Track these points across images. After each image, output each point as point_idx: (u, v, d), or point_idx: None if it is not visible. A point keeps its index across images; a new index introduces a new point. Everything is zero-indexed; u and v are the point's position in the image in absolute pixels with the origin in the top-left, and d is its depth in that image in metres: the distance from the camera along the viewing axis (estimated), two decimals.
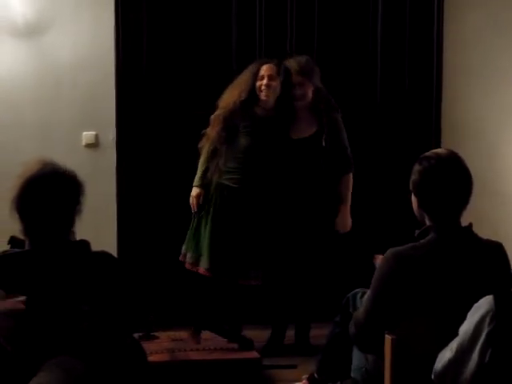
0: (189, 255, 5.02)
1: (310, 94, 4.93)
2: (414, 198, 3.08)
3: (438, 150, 3.15)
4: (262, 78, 4.90)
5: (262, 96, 4.90)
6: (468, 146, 5.40)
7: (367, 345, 3.17)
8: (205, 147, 4.97)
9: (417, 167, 3.04)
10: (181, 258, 5.06)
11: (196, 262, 4.99)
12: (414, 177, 3.04)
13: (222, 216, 4.93)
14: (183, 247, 5.06)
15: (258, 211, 4.98)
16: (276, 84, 4.91)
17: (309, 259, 5.03)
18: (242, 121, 4.90)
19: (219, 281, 4.97)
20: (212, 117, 4.96)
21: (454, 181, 2.99)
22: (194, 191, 4.98)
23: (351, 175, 5.04)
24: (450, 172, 2.99)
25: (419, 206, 3.06)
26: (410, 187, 3.07)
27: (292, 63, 4.94)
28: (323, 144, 4.92)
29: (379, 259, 3.29)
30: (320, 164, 4.95)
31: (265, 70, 4.91)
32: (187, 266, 5.03)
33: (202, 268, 4.96)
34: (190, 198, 4.98)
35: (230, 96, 4.93)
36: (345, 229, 5.06)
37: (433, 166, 3.00)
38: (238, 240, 4.93)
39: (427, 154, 3.08)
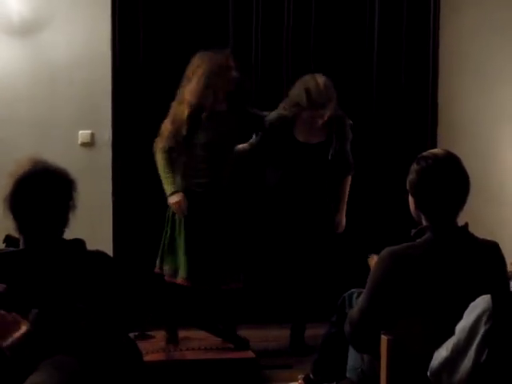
0: (167, 267, 4.82)
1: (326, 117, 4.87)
2: (410, 198, 3.08)
3: (436, 150, 3.15)
4: (231, 70, 4.75)
5: (229, 88, 4.78)
6: (464, 145, 5.40)
7: (362, 344, 3.17)
8: (162, 150, 4.73)
9: (414, 167, 3.03)
10: (157, 270, 4.86)
11: (174, 274, 4.81)
12: (411, 176, 3.04)
13: (192, 224, 4.76)
14: (158, 260, 4.86)
15: (227, 213, 4.82)
16: (238, 74, 4.79)
17: (305, 260, 5.03)
18: (203, 116, 4.73)
19: (199, 289, 4.85)
20: (182, 112, 4.72)
21: (451, 181, 2.99)
22: (177, 197, 4.71)
23: (350, 177, 5.12)
24: (447, 172, 2.99)
25: (416, 206, 3.05)
26: (407, 187, 3.07)
27: (312, 91, 4.76)
28: (329, 157, 4.93)
29: (374, 259, 3.30)
30: (323, 170, 4.97)
31: (231, 61, 4.78)
32: (167, 278, 4.83)
33: (180, 278, 4.78)
34: (174, 206, 4.71)
35: (203, 94, 4.69)
36: (341, 228, 5.08)
37: (430, 166, 2.99)
38: (212, 247, 4.78)
39: (424, 153, 3.07)
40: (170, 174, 4.73)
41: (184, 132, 4.68)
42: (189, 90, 4.71)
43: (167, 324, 4.97)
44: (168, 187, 4.73)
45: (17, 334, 2.42)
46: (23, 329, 2.44)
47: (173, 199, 4.72)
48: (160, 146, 4.74)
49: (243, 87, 4.88)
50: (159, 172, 4.76)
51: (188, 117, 4.67)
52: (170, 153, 4.73)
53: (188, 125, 4.68)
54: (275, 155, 4.96)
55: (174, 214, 4.78)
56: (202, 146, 4.73)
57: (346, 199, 5.11)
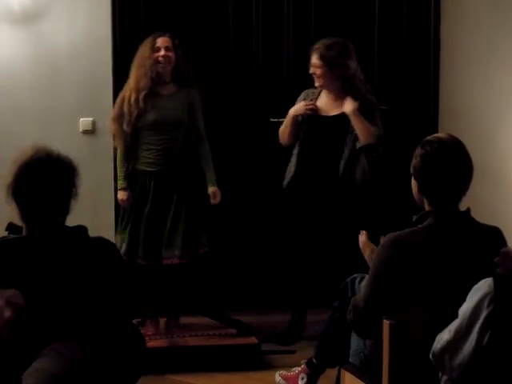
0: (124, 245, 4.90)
1: (322, 77, 4.87)
2: (414, 183, 3.07)
3: (440, 135, 3.14)
4: (159, 50, 4.88)
5: (160, 68, 4.88)
6: (465, 132, 5.36)
7: (366, 331, 3.17)
8: (120, 139, 4.92)
9: (418, 151, 3.02)
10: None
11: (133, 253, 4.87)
12: (415, 161, 3.03)
13: (144, 203, 4.89)
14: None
15: (180, 191, 4.90)
16: (173, 55, 4.91)
17: (325, 246, 4.99)
18: (150, 100, 4.85)
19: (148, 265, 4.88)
20: (122, 100, 4.89)
21: (456, 166, 2.98)
22: (123, 195, 4.90)
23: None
24: (452, 157, 2.98)
25: (419, 190, 3.05)
26: (411, 171, 3.06)
27: (318, 44, 4.90)
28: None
29: (364, 236, 3.41)
30: (341, 142, 4.91)
31: (161, 42, 4.90)
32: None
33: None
34: (120, 201, 4.92)
35: (137, 76, 4.87)
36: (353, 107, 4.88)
37: (435, 150, 2.98)
38: (160, 224, 4.87)
39: (429, 138, 3.06)
40: (124, 168, 4.92)
41: (133, 115, 4.84)
42: (131, 76, 4.91)
43: (151, 309, 4.98)
44: (120, 182, 4.93)
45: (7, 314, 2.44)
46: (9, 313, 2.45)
47: (120, 195, 4.92)
48: (119, 135, 4.92)
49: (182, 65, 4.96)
50: (117, 161, 4.97)
51: (133, 100, 4.83)
52: (126, 140, 4.91)
53: (134, 108, 4.83)
54: (300, 132, 4.99)
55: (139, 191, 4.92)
56: (149, 126, 4.86)
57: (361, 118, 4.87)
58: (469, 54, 5.89)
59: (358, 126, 4.84)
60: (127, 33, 5.49)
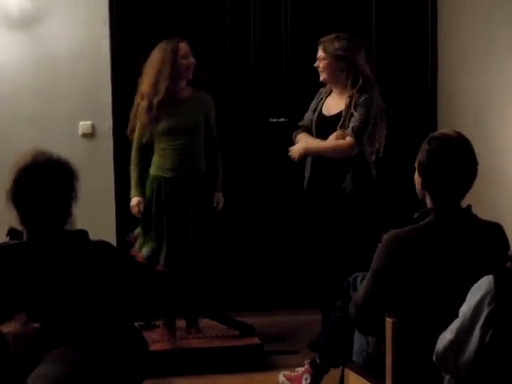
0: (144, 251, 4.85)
1: (325, 70, 4.77)
2: (418, 178, 3.06)
3: (447, 131, 3.12)
4: (187, 56, 4.75)
5: (187, 75, 4.77)
6: (464, 125, 5.35)
7: (366, 326, 3.17)
8: (136, 148, 4.85)
9: (425, 147, 3.01)
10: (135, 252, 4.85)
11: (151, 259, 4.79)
12: (421, 156, 3.02)
13: (163, 210, 4.78)
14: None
15: (197, 198, 4.81)
16: (194, 62, 4.79)
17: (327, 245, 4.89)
18: (165, 106, 4.74)
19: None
20: (143, 106, 4.76)
21: (462, 163, 2.98)
22: (134, 201, 4.80)
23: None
24: (459, 154, 2.98)
25: (423, 186, 3.04)
26: (416, 167, 3.05)
27: (324, 38, 4.82)
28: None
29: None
30: None
31: (186, 48, 4.77)
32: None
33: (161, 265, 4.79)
34: (131, 208, 4.82)
35: (153, 81, 4.73)
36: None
37: (442, 146, 2.98)
38: (180, 231, 4.76)
39: (436, 134, 3.06)
40: (136, 175, 4.83)
41: (148, 122, 4.76)
42: (145, 82, 4.76)
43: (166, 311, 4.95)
44: (132, 190, 4.84)
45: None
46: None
47: (132, 202, 4.83)
48: (135, 144, 4.85)
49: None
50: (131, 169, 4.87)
51: (145, 107, 4.73)
52: (143, 150, 4.82)
53: (148, 115, 4.74)
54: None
55: (154, 197, 4.80)
56: (165, 132, 4.76)
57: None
58: (467, 46, 5.85)
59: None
60: (125, 37, 5.50)
